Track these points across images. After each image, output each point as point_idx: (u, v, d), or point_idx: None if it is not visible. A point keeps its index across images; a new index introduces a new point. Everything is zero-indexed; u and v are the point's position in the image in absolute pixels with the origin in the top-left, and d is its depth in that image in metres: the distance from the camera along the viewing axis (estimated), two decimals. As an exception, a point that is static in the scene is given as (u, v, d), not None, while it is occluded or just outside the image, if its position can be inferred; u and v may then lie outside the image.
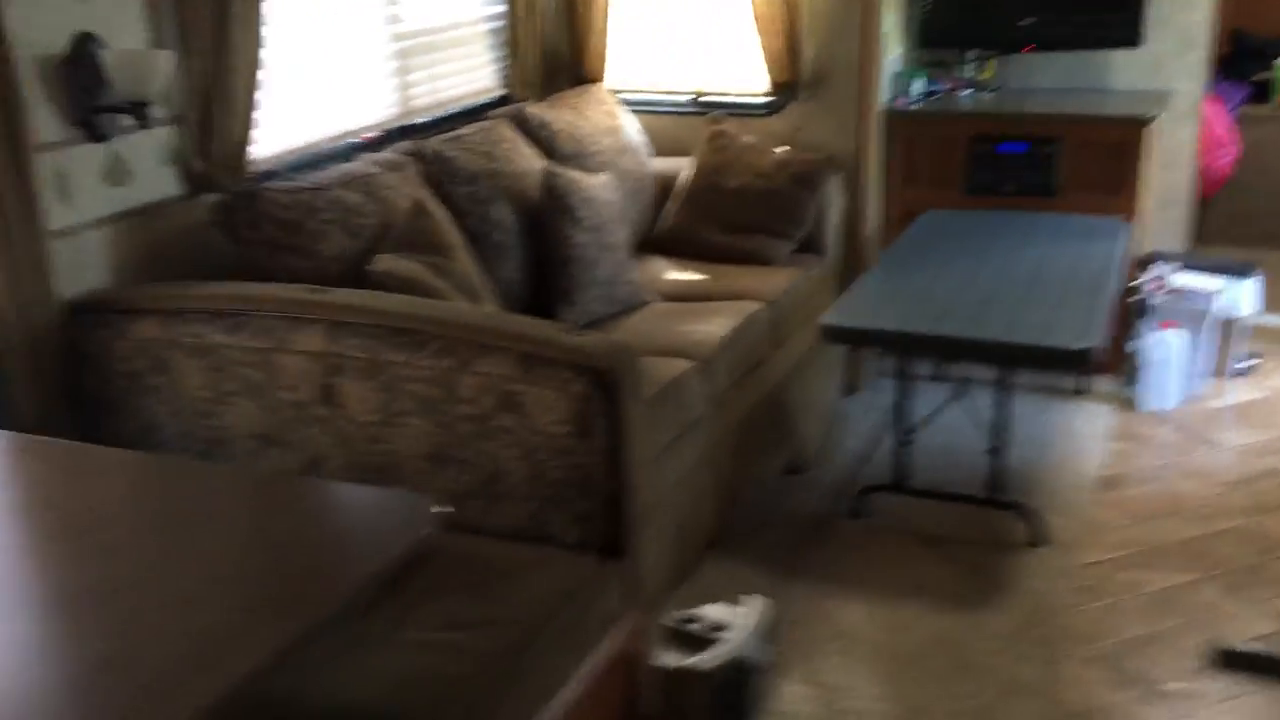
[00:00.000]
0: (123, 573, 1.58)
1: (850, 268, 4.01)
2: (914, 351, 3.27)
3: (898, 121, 4.21)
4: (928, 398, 3.71)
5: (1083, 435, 3.84)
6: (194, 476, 1.97)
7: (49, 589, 1.58)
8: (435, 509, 1.65)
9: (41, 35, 2.37)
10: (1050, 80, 4.49)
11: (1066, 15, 4.29)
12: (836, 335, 3.09)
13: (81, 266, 2.51)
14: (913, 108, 4.26)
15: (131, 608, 1.49)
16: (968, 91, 4.42)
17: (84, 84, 2.45)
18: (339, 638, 1.84)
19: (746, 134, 3.97)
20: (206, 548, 1.65)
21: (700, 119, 4.10)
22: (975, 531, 3.27)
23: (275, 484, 1.93)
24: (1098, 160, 4.05)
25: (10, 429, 2.30)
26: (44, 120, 2.38)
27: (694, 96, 4.22)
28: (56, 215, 2.41)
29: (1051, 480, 3.54)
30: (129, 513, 1.80)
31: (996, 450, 3.24)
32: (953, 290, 3.20)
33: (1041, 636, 2.81)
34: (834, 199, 3.91)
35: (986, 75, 4.44)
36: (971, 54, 4.46)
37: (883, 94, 4.13)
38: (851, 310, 3.12)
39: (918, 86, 4.33)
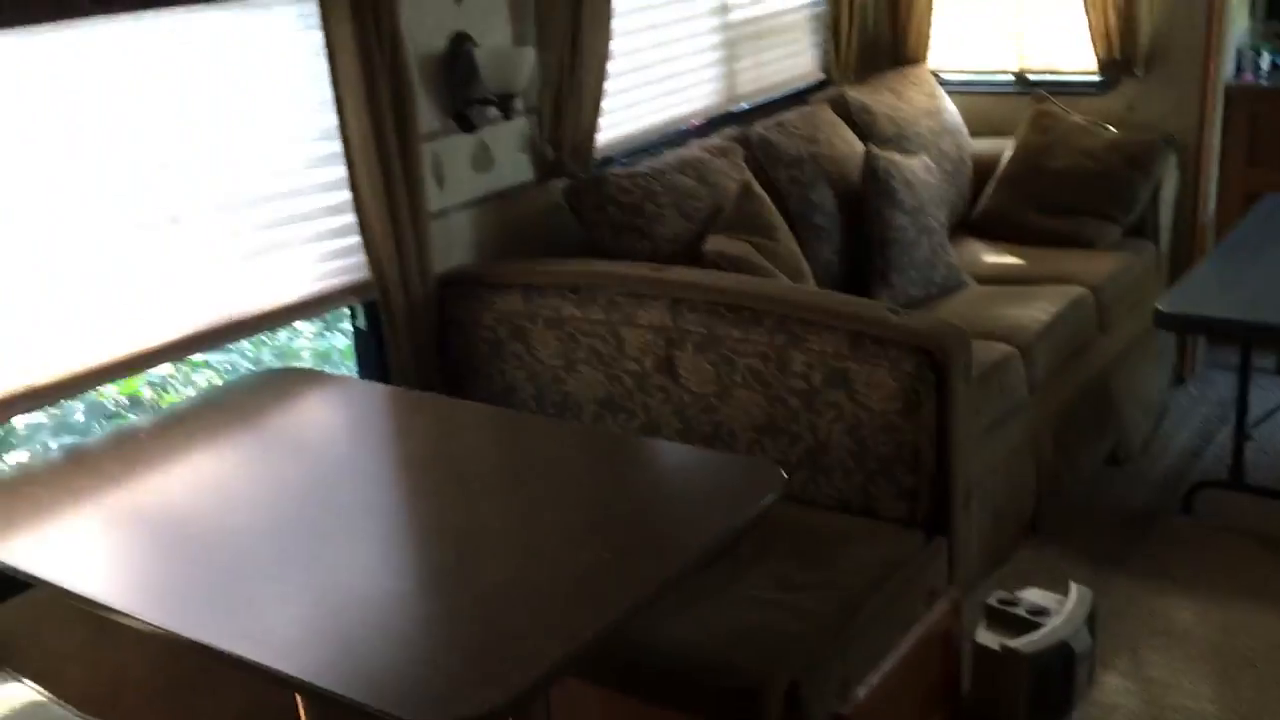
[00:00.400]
0: (511, 514, 1.80)
1: (1184, 253, 3.82)
2: (1259, 342, 3.09)
3: (1242, 98, 3.94)
4: (1266, 392, 3.49)
5: None
6: (558, 434, 2.19)
7: (450, 526, 1.81)
8: (783, 474, 1.77)
9: (425, 36, 2.66)
10: None
11: None
12: (1173, 322, 2.97)
13: (450, 244, 2.80)
14: (1261, 83, 3.98)
15: (522, 544, 1.70)
16: (1325, 64, 4.08)
17: (459, 79, 2.73)
18: (682, 588, 1.99)
19: (1073, 113, 3.85)
20: (579, 496, 1.85)
21: (1023, 98, 4.01)
22: (1322, 536, 3.06)
23: (633, 444, 2.11)
24: None
25: (393, 384, 2.63)
26: (425, 112, 2.67)
27: (1017, 75, 4.13)
28: (433, 198, 2.70)
29: None
30: (507, 462, 2.03)
31: (1350, 450, 3.02)
32: (1304, 278, 3.00)
33: (1399, 652, 2.62)
34: (1168, 181, 3.74)
35: (1348, 46, 4.08)
36: (1331, 23, 4.11)
37: (1225, 69, 3.89)
38: (1191, 296, 2.99)
39: (1265, 60, 4.04)
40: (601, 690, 2.04)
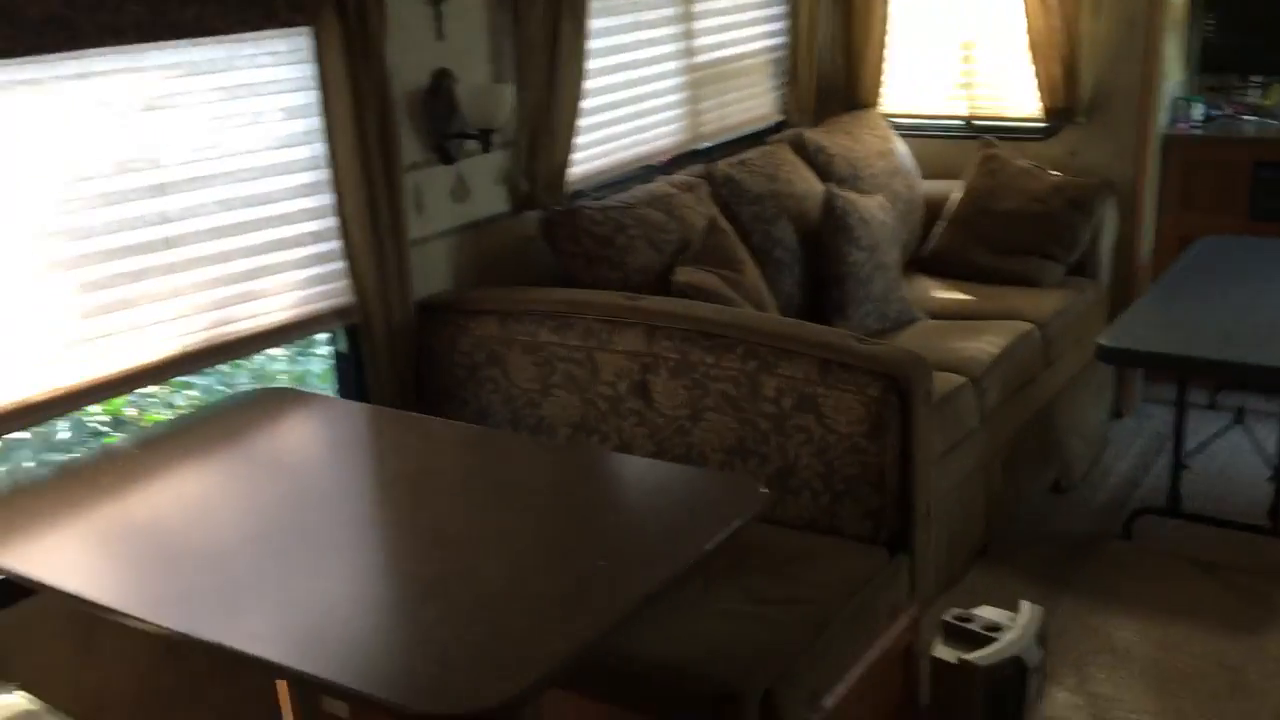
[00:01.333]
0: (499, 526, 1.88)
1: (1122, 292, 4.02)
2: (1195, 376, 3.27)
3: (1176, 146, 4.17)
4: (1199, 424, 3.68)
5: (1371, 471, 3.70)
6: (539, 451, 2.27)
7: (440, 537, 1.88)
8: (762, 490, 1.88)
9: (409, 71, 2.75)
10: (1343, 104, 4.33)
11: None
12: (1113, 356, 3.14)
13: (429, 272, 2.88)
14: (1193, 132, 4.21)
15: (513, 555, 1.78)
16: (1251, 117, 4.33)
17: (440, 113, 2.83)
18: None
19: (1019, 157, 4.05)
20: (564, 509, 1.93)
21: (972, 142, 4.20)
22: (1254, 559, 3.23)
23: (614, 460, 2.20)
24: (1396, 187, 3.91)
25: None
26: (408, 144, 2.76)
27: (966, 120, 4.33)
28: (413, 226, 2.78)
29: (1336, 514, 3.45)
30: (491, 478, 2.10)
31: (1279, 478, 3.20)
32: (1235, 316, 3.19)
33: (1325, 667, 2.79)
34: (1108, 223, 3.94)
35: (1270, 101, 4.34)
36: (1256, 79, 4.36)
37: (1161, 118, 4.11)
38: (1130, 333, 3.17)
39: (1197, 111, 4.28)
40: (581, 698, 2.12)
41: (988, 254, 3.91)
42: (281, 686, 2.27)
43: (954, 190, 4.08)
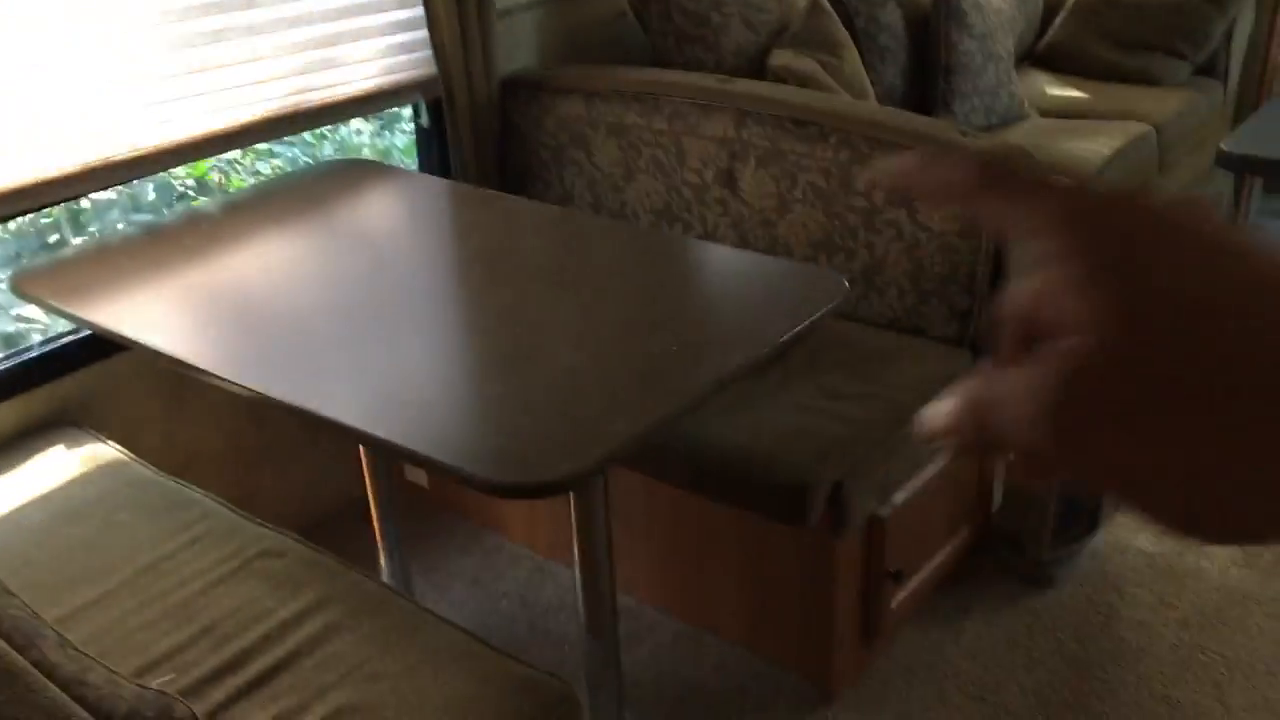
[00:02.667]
0: (576, 306, 1.85)
1: (1252, 97, 3.75)
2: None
3: (1332, -65, 3.80)
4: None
5: None
6: (621, 234, 2.23)
7: (517, 315, 1.85)
8: (845, 283, 1.82)
9: None
10: None
11: None
12: (1236, 163, 2.94)
13: (514, 46, 2.78)
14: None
15: (589, 334, 1.76)
16: None
17: (530, -128, 2.66)
18: (733, 393, 2.06)
19: (1154, -57, 3.72)
20: (643, 293, 1.89)
21: (1103, -74, 3.86)
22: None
23: (695, 247, 2.15)
24: None
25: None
26: (495, -94, 2.61)
27: (1099, -99, 3.97)
28: (506, -3, 2.66)
29: None
30: (570, 259, 2.07)
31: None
32: (1376, 125, 2.96)
33: None
34: (1244, 18, 3.64)
35: None
36: None
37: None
38: (1258, 137, 2.96)
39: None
40: (654, 482, 2.15)
41: (1109, 48, 3.65)
42: (363, 453, 2.33)
43: (1079, -22, 3.79)
